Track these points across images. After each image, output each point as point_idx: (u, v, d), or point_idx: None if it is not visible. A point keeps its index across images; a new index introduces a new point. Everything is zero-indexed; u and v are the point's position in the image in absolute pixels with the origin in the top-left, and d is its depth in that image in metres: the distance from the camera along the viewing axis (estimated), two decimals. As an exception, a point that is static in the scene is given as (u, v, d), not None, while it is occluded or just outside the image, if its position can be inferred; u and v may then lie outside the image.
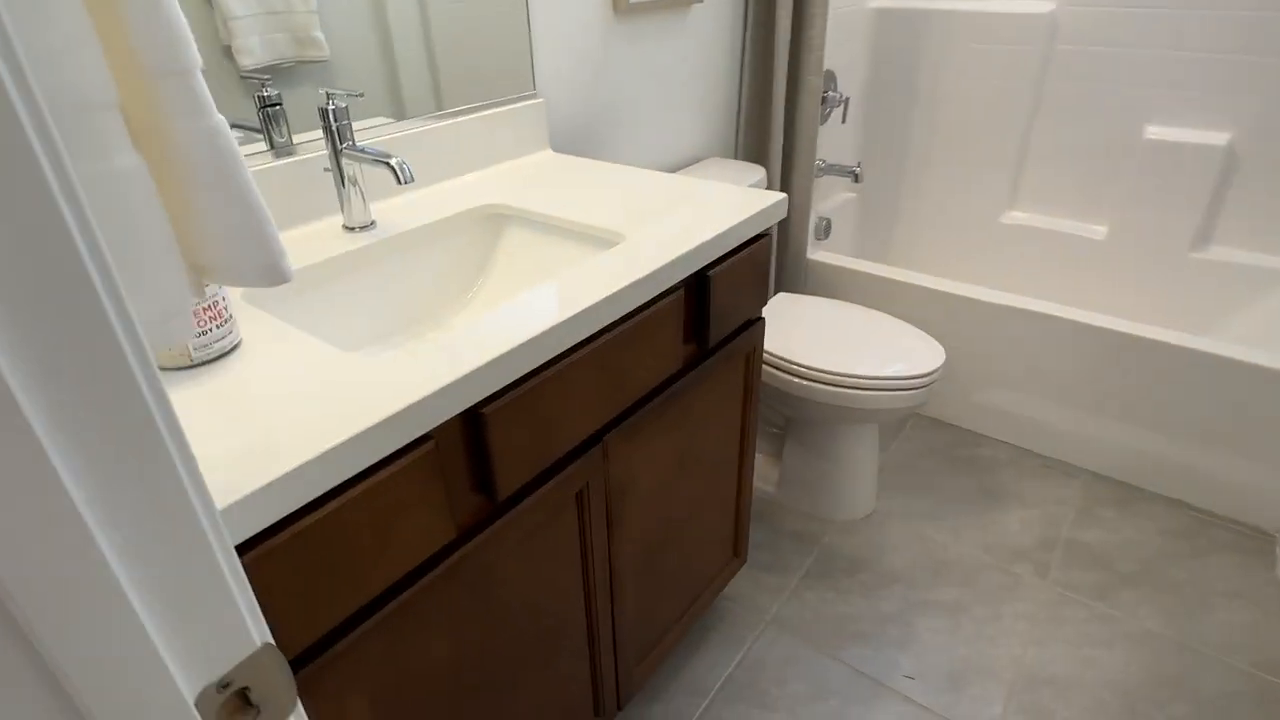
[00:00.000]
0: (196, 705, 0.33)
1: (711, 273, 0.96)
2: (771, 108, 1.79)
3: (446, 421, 0.67)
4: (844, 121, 2.21)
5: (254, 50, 0.93)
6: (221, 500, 0.50)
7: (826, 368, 1.46)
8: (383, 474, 0.61)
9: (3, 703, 0.27)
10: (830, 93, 2.08)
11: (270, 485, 0.52)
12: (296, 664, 0.61)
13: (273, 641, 0.36)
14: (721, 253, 0.96)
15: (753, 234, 1.02)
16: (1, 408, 0.23)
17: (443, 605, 0.74)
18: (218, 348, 0.68)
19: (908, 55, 2.22)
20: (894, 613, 1.46)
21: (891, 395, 1.45)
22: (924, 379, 1.46)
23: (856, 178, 2.16)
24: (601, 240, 0.98)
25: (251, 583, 0.54)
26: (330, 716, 0.65)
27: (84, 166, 0.33)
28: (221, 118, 0.37)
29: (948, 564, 1.57)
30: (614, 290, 0.79)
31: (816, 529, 1.67)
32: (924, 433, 1.98)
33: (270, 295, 0.85)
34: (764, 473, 1.83)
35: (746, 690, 1.32)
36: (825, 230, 2.31)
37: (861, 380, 1.44)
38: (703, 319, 1.00)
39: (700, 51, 1.65)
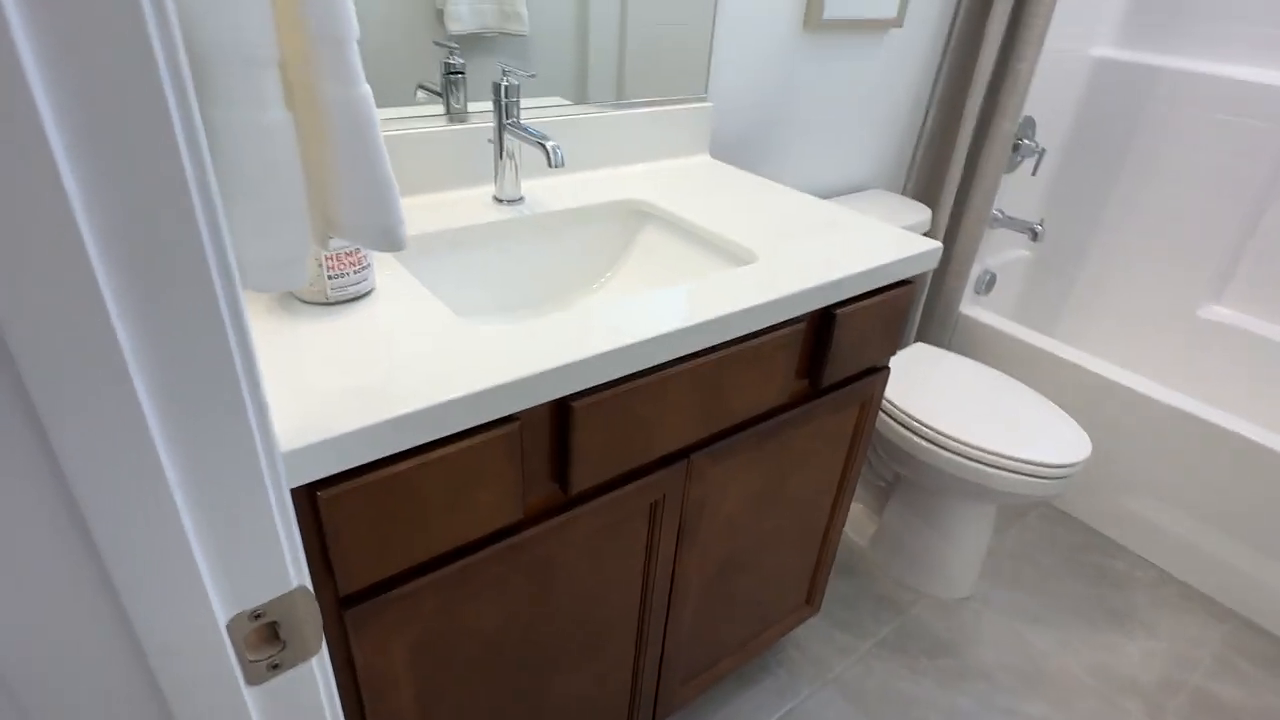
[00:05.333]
0: (227, 628, 0.35)
1: (839, 311, 0.91)
2: (954, 147, 1.68)
3: (534, 407, 0.68)
4: (1034, 174, 2.04)
5: (462, 17, 0.98)
6: (307, 439, 0.53)
7: (952, 433, 1.35)
8: (464, 443, 0.63)
9: (64, 600, 0.29)
10: (1025, 140, 1.92)
11: (357, 433, 0.55)
12: (351, 600, 0.64)
13: (309, 586, 0.38)
14: (856, 293, 0.91)
15: (895, 279, 0.96)
16: (97, 330, 0.26)
17: (498, 580, 0.75)
18: (351, 291, 0.73)
19: (1124, 114, 2.00)
20: (969, 711, 1.34)
21: (1021, 480, 1.32)
22: (1061, 469, 1.32)
23: (1035, 236, 1.99)
24: (735, 257, 0.96)
25: (323, 519, 0.57)
26: (372, 654, 0.68)
27: (241, 114, 0.35)
28: (367, 88, 0.39)
29: (1044, 675, 1.42)
30: (731, 310, 0.77)
31: (904, 598, 1.57)
32: (1050, 526, 1.80)
33: (416, 251, 0.91)
34: (859, 525, 1.74)
35: (789, 743, 1.26)
36: (988, 285, 2.14)
37: (989, 455, 1.33)
38: (820, 357, 0.95)
39: (887, 77, 1.58)
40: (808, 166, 1.55)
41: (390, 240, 0.46)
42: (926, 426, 1.38)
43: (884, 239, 0.99)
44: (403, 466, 0.60)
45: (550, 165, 0.91)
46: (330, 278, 0.71)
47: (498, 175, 1.02)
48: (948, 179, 1.72)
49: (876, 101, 1.59)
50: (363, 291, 0.75)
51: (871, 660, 1.42)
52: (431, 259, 0.93)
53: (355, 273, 0.73)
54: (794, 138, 1.48)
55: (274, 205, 0.36)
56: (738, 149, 1.40)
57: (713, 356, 0.79)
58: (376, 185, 0.41)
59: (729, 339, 0.80)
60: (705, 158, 1.29)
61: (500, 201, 1.03)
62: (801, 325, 0.88)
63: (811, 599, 1.31)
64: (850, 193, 1.68)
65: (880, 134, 1.65)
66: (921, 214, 1.61)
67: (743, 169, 1.40)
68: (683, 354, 0.76)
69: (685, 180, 1.17)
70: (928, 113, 1.72)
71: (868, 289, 0.93)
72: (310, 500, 0.57)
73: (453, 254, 0.95)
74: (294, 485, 0.54)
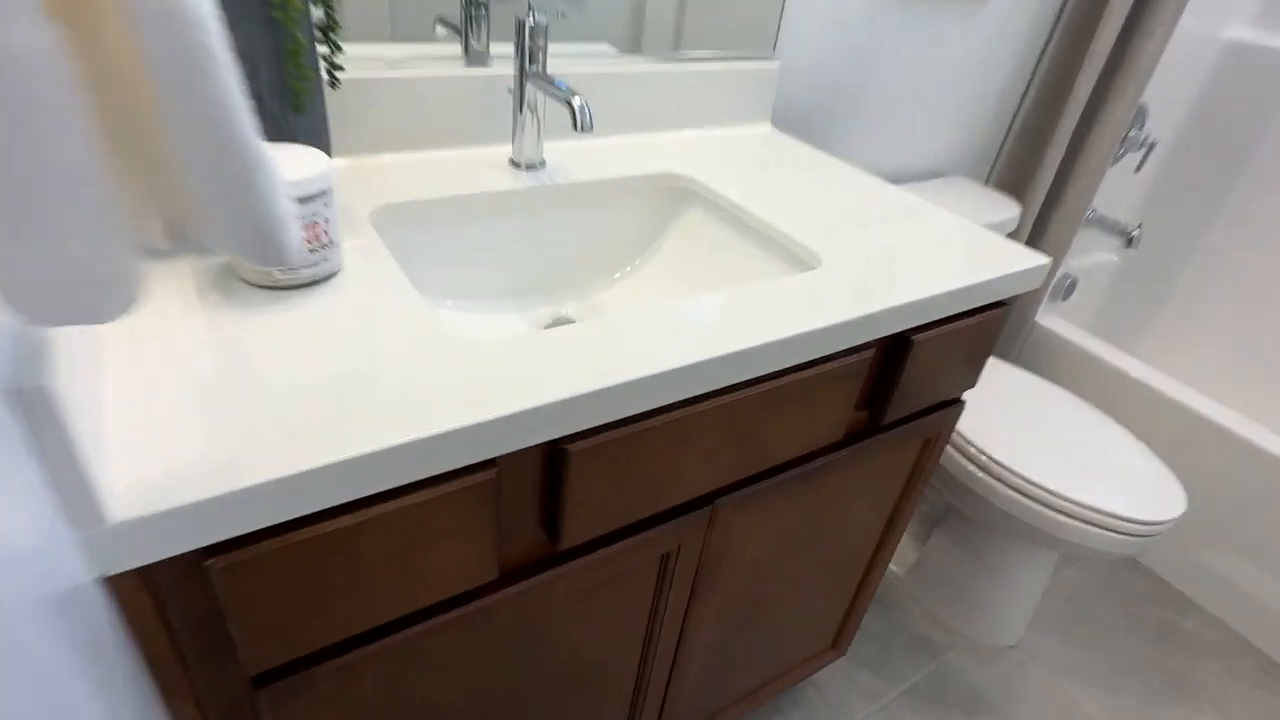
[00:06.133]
0: None
1: (917, 338, 0.74)
2: (1053, 133, 1.45)
3: (519, 450, 0.53)
4: (1138, 170, 1.79)
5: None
6: (193, 494, 0.39)
7: (1020, 470, 1.17)
8: (421, 495, 0.48)
9: None
10: (1134, 131, 1.67)
11: (267, 486, 0.41)
12: (267, 678, 0.51)
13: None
14: (940, 316, 0.73)
15: (990, 300, 0.77)
16: None
17: (464, 645, 0.61)
18: (307, 274, 0.58)
19: (1255, 108, 1.73)
20: (1005, 781, 1.19)
21: (1097, 533, 1.14)
22: (1147, 526, 1.13)
23: (1130, 241, 1.75)
24: (793, 257, 0.79)
25: (218, 592, 0.43)
26: (296, 736, 0.55)
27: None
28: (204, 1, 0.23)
29: (1094, 748, 1.25)
30: (783, 336, 0.60)
31: (942, 639, 1.41)
32: (1114, 570, 1.61)
33: (405, 222, 0.75)
34: (899, 552, 1.57)
35: (797, 799, 1.13)
36: (1067, 290, 1.92)
37: (1061, 501, 1.14)
38: (886, 388, 0.78)
39: (984, 46, 1.35)
40: (881, 145, 1.34)
41: (264, 249, 0.30)
42: (988, 458, 1.20)
43: (979, 246, 0.80)
44: (337, 524, 0.46)
45: (576, 127, 0.74)
46: (277, 257, 0.56)
47: (516, 133, 0.85)
48: (1041, 170, 1.50)
49: (968, 74, 1.37)
50: (323, 274, 0.59)
51: (900, 711, 1.27)
52: (423, 231, 0.77)
53: (312, 251, 0.58)
54: (869, 111, 1.28)
55: (39, 187, 0.21)
56: (803, 119, 1.21)
57: (753, 390, 0.63)
58: (228, 160, 0.25)
59: (779, 369, 0.63)
60: (765, 128, 1.10)
61: (517, 166, 0.86)
62: (868, 353, 0.71)
63: (838, 643, 1.15)
64: (926, 178, 1.47)
65: (968, 113, 1.43)
66: (1008, 210, 1.39)
67: (806, 143, 1.21)
68: (716, 388, 0.59)
69: (740, 154, 0.99)
70: (1026, 91, 1.49)
71: (955, 311, 0.75)
72: (197, 568, 0.43)
73: (451, 226, 0.79)
74: (176, 551, 0.40)
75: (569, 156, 0.90)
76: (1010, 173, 1.57)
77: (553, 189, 0.84)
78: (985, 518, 1.27)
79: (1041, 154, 1.49)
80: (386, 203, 0.73)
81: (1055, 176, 1.56)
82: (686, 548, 0.72)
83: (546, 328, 0.86)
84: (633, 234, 0.91)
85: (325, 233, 0.58)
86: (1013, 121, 1.52)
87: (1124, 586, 1.57)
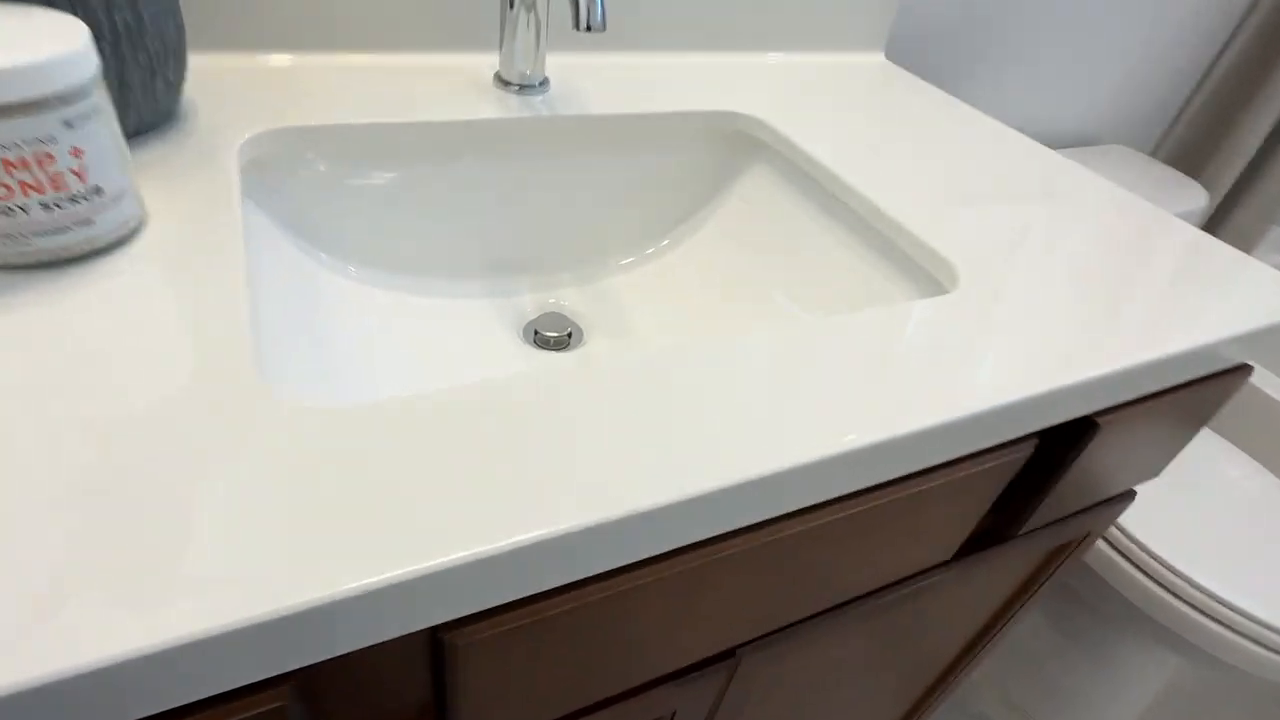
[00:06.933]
0: None
1: (1104, 419, 0.44)
2: (1259, 94, 1.08)
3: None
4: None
5: None
6: None
7: (1167, 557, 0.87)
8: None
9: None
10: (1367, 103, 1.26)
11: None
12: None
13: None
14: (1154, 389, 0.44)
15: (1233, 364, 0.47)
16: None
17: None
18: (41, 247, 0.33)
19: None
20: None
21: (1273, 660, 0.84)
22: (1346, 662, 0.82)
23: (1327, 247, 1.36)
24: (912, 265, 0.49)
25: None
26: None
27: None
28: None
29: None
30: (893, 435, 0.32)
31: (1015, 729, 1.13)
32: (1242, 659, 1.29)
33: (310, 156, 0.49)
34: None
35: None
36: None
37: (1225, 610, 0.84)
38: (1034, 486, 0.49)
39: (1198, -33, 0.98)
40: (1018, 97, 1.00)
41: None
42: (1122, 532, 0.90)
43: (1212, 264, 0.49)
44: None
45: (577, 25, 0.46)
46: (-30, 213, 0.31)
47: (505, 36, 0.57)
48: (1235, 143, 1.13)
49: (1149, 13, 1.00)
50: (84, 246, 0.34)
51: (954, 823, 1.01)
52: (348, 169, 0.51)
53: (46, 209, 0.32)
54: (1008, 48, 0.94)
55: None
56: (921, 52, 0.88)
57: (824, 517, 0.36)
58: None
59: (881, 481, 0.35)
60: (878, 59, 0.79)
61: (506, 84, 0.58)
62: (1025, 449, 0.42)
63: (890, 746, 0.90)
64: (1073, 145, 1.12)
65: (1142, 59, 1.06)
66: (1189, 196, 1.04)
67: (931, 85, 0.89)
68: (757, 521, 0.32)
69: (839, 93, 0.68)
70: (1233, 36, 1.11)
71: (1181, 381, 0.45)
72: None
73: (392, 168, 0.53)
74: None
75: (583, 76, 0.62)
76: (1188, 144, 1.20)
77: (554, 121, 0.56)
78: (1103, 602, 0.97)
79: (1234, 121, 1.12)
80: (277, 126, 0.47)
81: (1256, 153, 1.18)
82: (688, 711, 0.46)
83: (530, 322, 0.61)
84: (668, 196, 0.63)
85: (78, 173, 0.32)
86: (1205, 74, 1.15)
87: (1251, 686, 1.26)
